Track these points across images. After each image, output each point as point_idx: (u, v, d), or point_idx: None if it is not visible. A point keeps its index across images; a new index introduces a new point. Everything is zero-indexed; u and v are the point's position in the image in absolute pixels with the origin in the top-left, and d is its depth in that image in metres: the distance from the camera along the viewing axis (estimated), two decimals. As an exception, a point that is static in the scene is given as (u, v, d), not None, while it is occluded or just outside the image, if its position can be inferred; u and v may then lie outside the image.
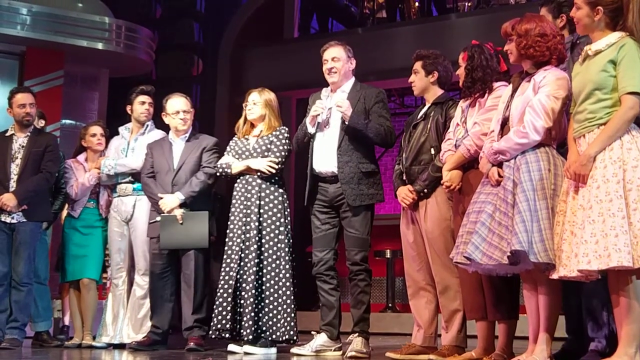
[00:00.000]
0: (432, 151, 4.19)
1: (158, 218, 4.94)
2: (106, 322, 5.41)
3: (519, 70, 3.67)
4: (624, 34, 3.23)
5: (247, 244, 4.70)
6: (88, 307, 5.51)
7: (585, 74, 3.29)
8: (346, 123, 4.46)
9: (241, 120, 4.94)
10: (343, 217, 4.53)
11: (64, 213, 5.74)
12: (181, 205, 4.93)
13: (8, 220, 5.20)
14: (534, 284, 3.51)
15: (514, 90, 3.63)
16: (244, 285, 4.65)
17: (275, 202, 4.77)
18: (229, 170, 4.81)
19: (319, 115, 4.56)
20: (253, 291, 4.62)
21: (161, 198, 4.93)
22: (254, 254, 4.66)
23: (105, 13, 8.35)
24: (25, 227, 5.22)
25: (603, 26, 3.28)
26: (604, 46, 3.25)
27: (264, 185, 4.77)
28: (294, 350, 4.54)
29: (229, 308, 4.65)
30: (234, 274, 4.67)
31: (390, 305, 8.21)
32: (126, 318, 5.33)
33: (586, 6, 3.30)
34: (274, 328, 4.64)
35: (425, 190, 4.18)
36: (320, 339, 4.52)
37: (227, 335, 4.68)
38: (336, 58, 4.61)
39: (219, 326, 4.67)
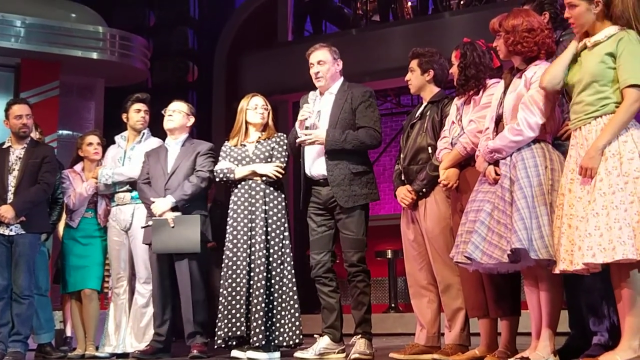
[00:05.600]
0: (430, 150, 4.18)
1: (150, 222, 4.93)
2: (109, 332, 5.40)
3: (512, 65, 3.67)
4: (623, 28, 3.21)
5: (253, 249, 4.67)
6: (90, 318, 5.50)
7: (583, 65, 3.27)
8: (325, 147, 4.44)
9: (242, 126, 4.86)
10: (337, 219, 4.52)
11: (62, 224, 5.73)
12: (174, 209, 4.91)
13: (6, 232, 5.18)
14: (535, 280, 3.50)
15: (506, 87, 3.62)
16: (252, 291, 4.61)
17: (279, 207, 4.77)
18: (231, 175, 4.77)
19: (306, 119, 4.55)
20: (264, 296, 4.59)
21: (153, 202, 4.92)
22: (263, 259, 4.63)
23: (99, 23, 8.35)
24: (24, 239, 5.19)
25: (602, 17, 3.26)
26: (603, 37, 3.24)
27: (267, 191, 4.75)
28: (297, 354, 4.53)
29: (238, 315, 4.59)
30: (244, 280, 4.63)
31: (392, 305, 8.20)
32: (128, 327, 5.32)
33: (583, 1, 3.27)
34: (279, 332, 4.63)
35: (424, 190, 4.18)
36: (323, 342, 4.51)
37: (234, 343, 4.64)
38: (322, 61, 4.60)
39: (229, 334, 4.61)
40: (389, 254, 8.26)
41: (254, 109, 4.86)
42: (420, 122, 4.30)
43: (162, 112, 5.15)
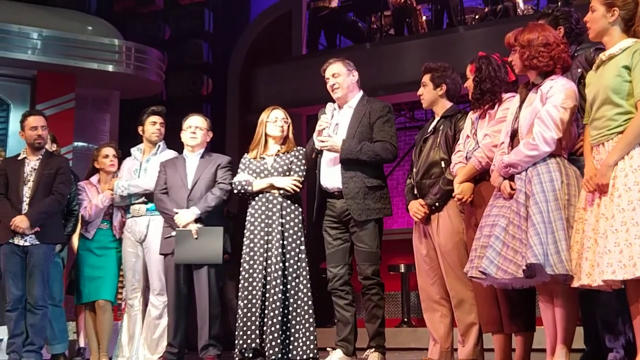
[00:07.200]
0: (443, 164, 4.18)
1: (173, 233, 4.94)
2: (122, 343, 5.41)
3: (527, 80, 3.66)
4: (638, 40, 3.20)
5: (269, 262, 4.67)
6: (104, 329, 5.52)
7: (600, 79, 3.26)
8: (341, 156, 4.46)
9: (261, 138, 4.87)
10: (352, 232, 4.52)
11: (77, 235, 5.76)
12: (196, 221, 4.92)
13: (21, 243, 5.21)
14: (550, 296, 3.48)
15: (521, 102, 3.61)
16: (268, 304, 4.60)
17: (296, 220, 4.77)
18: (249, 188, 4.78)
19: (324, 129, 4.57)
20: (281, 309, 4.59)
21: (176, 213, 4.94)
22: (280, 272, 4.63)
23: (115, 35, 8.41)
24: (39, 249, 5.23)
25: (618, 30, 3.25)
26: (617, 50, 3.22)
27: (285, 204, 4.75)
28: (310, 367, 4.52)
29: (253, 327, 4.59)
30: (259, 293, 4.63)
31: (405, 320, 8.17)
32: (142, 338, 5.33)
33: (602, 6, 3.27)
34: (293, 346, 4.61)
35: (437, 204, 4.17)
36: (336, 356, 4.49)
37: (250, 355, 4.63)
38: (336, 74, 4.63)
39: (244, 346, 4.60)
40: (402, 268, 8.23)
41: (273, 121, 4.87)
42: (433, 137, 4.29)
43: (183, 127, 5.15)
